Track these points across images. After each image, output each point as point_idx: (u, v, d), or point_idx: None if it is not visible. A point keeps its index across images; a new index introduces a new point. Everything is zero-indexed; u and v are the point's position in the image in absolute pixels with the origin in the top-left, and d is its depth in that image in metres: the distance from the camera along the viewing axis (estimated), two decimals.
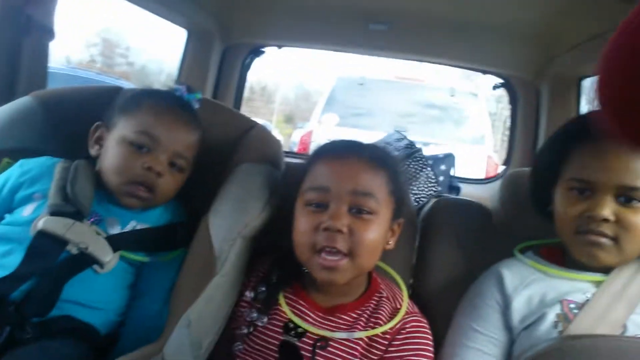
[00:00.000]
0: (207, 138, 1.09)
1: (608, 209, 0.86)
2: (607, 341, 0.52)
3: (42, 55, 1.28)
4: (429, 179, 2.07)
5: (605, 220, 0.86)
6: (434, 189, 2.09)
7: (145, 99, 1.01)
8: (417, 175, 2.06)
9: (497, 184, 1.22)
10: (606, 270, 0.91)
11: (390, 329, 0.90)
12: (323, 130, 4.02)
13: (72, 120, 1.11)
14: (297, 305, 0.93)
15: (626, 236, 0.86)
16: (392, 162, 0.97)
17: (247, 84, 2.46)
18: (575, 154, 0.93)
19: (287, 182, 1.06)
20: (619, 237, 0.86)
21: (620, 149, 0.87)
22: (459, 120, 4.24)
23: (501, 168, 2.64)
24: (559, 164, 0.96)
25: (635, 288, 0.88)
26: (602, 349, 0.50)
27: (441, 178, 2.24)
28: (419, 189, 2.05)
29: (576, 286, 0.91)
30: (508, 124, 2.34)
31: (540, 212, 1.02)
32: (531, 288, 0.94)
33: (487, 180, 2.64)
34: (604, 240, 0.87)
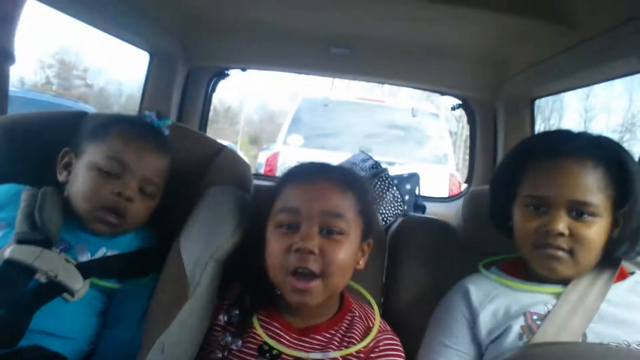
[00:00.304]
0: (176, 162, 1.09)
1: (562, 224, 0.91)
2: (565, 348, 0.55)
3: (2, 80, 1.25)
4: (396, 199, 2.11)
5: (561, 234, 0.91)
6: (400, 208, 2.13)
7: (115, 125, 1.01)
8: (384, 195, 2.10)
9: (460, 202, 1.27)
10: (565, 281, 0.95)
11: (364, 347, 0.92)
12: (289, 151, 4.04)
13: (36, 146, 1.09)
14: (271, 327, 0.93)
15: (580, 248, 0.91)
16: (360, 183, 1.00)
17: (211, 106, 2.46)
18: (530, 171, 0.98)
19: (257, 205, 1.07)
20: (574, 249, 0.91)
21: (571, 166, 0.92)
22: (421, 140, 4.35)
23: (464, 186, 2.72)
24: (516, 181, 1.01)
25: (592, 298, 0.93)
26: (562, 354, 0.53)
27: (407, 197, 2.29)
28: (386, 208, 2.09)
29: (538, 298, 0.96)
30: (469, 143, 2.42)
31: (500, 229, 1.07)
32: (496, 302, 0.97)
33: (451, 198, 2.72)
34: (560, 253, 0.92)
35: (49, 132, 1.13)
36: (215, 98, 2.44)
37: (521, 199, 0.98)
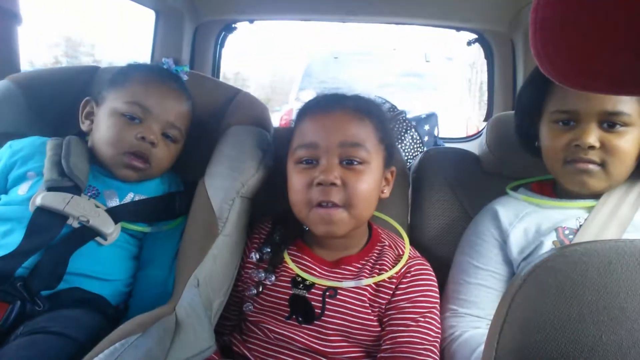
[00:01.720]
0: (194, 108, 1.09)
1: (593, 136, 0.88)
2: (605, 243, 0.54)
3: (11, 40, 1.24)
4: (414, 140, 2.09)
5: (592, 147, 0.88)
6: (419, 149, 2.11)
7: (134, 72, 1.01)
8: (402, 137, 2.07)
9: (480, 139, 1.24)
10: (596, 196, 0.94)
11: (396, 273, 0.92)
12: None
13: (52, 100, 1.09)
14: (303, 261, 0.94)
15: (613, 160, 0.89)
16: (377, 110, 0.97)
17: (220, 71, 2.42)
18: (557, 86, 0.94)
19: (276, 144, 1.06)
20: (605, 162, 0.89)
21: None
22: (436, 86, 4.25)
23: (482, 126, 2.67)
24: (542, 99, 0.97)
25: (625, 209, 0.91)
26: (601, 249, 0.52)
27: (426, 138, 2.27)
28: (405, 150, 2.07)
29: (569, 214, 0.94)
30: (483, 88, 2.36)
31: (528, 150, 1.04)
32: (526, 221, 0.96)
33: (471, 137, 2.67)
34: (592, 166, 0.89)
35: (63, 87, 1.13)
36: (225, 64, 2.40)
37: (549, 116, 0.95)
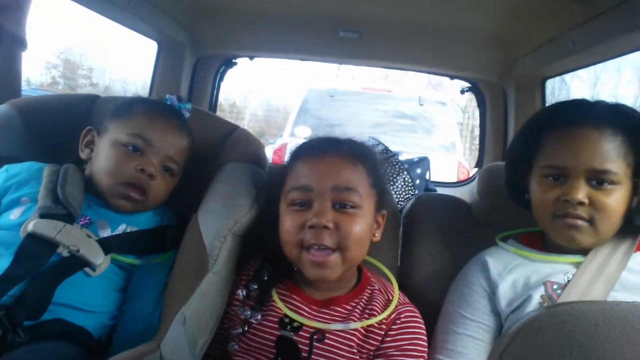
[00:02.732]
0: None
1: (582, 192, 0.90)
2: (591, 304, 0.55)
3: (15, 64, 1.26)
4: (407, 183, 2.11)
5: (580, 203, 0.90)
6: (411, 192, 2.13)
7: (138, 106, 1.03)
8: (395, 180, 2.09)
9: (471, 186, 1.26)
10: (584, 251, 0.95)
11: (385, 318, 0.92)
12: (296, 142, 4.02)
13: (51, 127, 1.10)
14: (291, 300, 0.94)
15: (600, 217, 0.90)
16: (370, 154, 0.99)
17: (217, 104, 2.46)
18: (547, 141, 0.97)
19: (269, 183, 1.07)
20: (594, 218, 0.90)
21: (589, 134, 0.91)
22: (429, 129, 4.33)
23: (473, 172, 2.71)
24: (532, 153, 1.00)
25: (613, 266, 0.92)
26: (589, 311, 0.53)
27: (417, 181, 2.29)
28: (397, 193, 2.09)
29: (557, 268, 0.95)
30: (475, 133, 2.41)
31: (517, 202, 1.06)
32: (515, 273, 0.97)
33: (462, 183, 2.71)
34: (580, 222, 0.91)
35: (62, 114, 1.14)
36: (220, 94, 2.44)
37: (539, 170, 0.97)
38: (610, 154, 0.90)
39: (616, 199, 0.90)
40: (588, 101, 0.99)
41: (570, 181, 0.92)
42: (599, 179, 0.90)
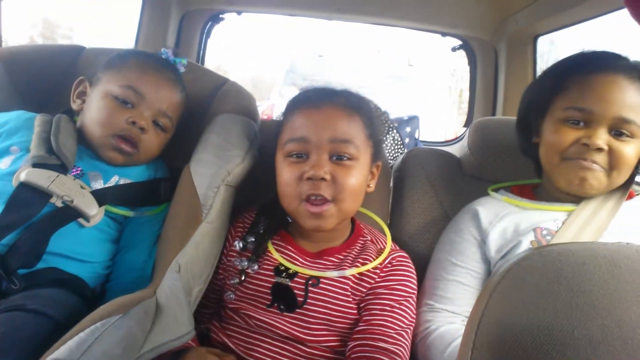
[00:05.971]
0: None
1: (602, 139, 0.89)
2: (579, 245, 0.57)
3: None
4: (396, 141, 2.12)
5: (599, 149, 0.89)
6: (400, 151, 2.14)
7: (132, 57, 1.01)
8: (384, 138, 2.10)
9: (461, 143, 1.27)
10: (576, 201, 0.96)
11: (380, 264, 0.94)
12: (285, 102, 3.99)
13: (35, 78, 1.07)
14: (286, 251, 0.95)
15: (617, 167, 0.90)
16: (367, 106, 0.98)
17: (205, 62, 2.40)
18: (574, 84, 0.94)
19: (263, 137, 1.07)
20: (609, 166, 0.90)
21: (621, 82, 0.90)
22: (417, 90, 4.31)
23: (461, 132, 2.71)
24: (552, 96, 0.97)
25: (603, 215, 0.93)
26: (577, 250, 0.54)
27: (407, 140, 2.30)
28: (387, 151, 2.09)
29: (548, 216, 0.97)
30: (463, 95, 2.40)
31: (523, 144, 1.05)
32: (505, 220, 0.99)
33: (450, 142, 2.72)
34: (595, 166, 0.91)
35: (46, 65, 1.11)
36: (206, 57, 2.38)
37: (559, 112, 0.94)
38: (638, 105, 0.89)
39: (634, 151, 0.90)
40: (616, 53, 0.96)
41: (592, 126, 0.90)
42: (619, 130, 0.90)
